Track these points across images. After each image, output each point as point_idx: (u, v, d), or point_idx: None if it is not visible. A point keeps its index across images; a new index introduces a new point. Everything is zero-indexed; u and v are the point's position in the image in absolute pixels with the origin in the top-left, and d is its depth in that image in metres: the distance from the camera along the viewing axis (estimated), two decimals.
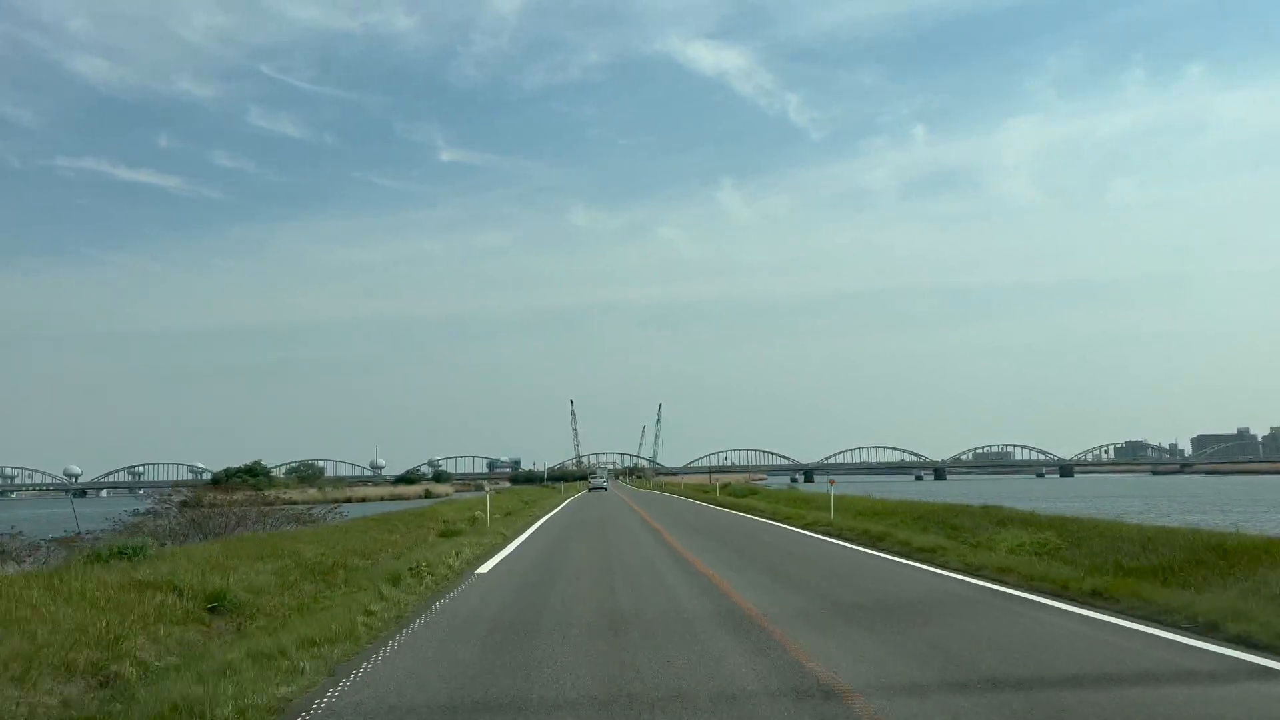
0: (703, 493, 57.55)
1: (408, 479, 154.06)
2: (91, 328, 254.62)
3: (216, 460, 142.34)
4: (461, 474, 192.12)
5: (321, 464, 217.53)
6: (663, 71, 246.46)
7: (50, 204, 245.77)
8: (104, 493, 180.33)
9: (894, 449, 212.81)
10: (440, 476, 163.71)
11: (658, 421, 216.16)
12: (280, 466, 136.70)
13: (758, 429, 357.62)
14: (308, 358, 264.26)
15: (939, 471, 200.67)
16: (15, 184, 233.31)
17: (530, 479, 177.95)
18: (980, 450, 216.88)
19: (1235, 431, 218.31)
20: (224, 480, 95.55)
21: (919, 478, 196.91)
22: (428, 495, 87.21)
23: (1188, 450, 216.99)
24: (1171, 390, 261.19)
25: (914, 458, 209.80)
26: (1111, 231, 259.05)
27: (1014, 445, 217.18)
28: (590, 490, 78.89)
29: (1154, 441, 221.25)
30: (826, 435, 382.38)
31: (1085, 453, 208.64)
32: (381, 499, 77.34)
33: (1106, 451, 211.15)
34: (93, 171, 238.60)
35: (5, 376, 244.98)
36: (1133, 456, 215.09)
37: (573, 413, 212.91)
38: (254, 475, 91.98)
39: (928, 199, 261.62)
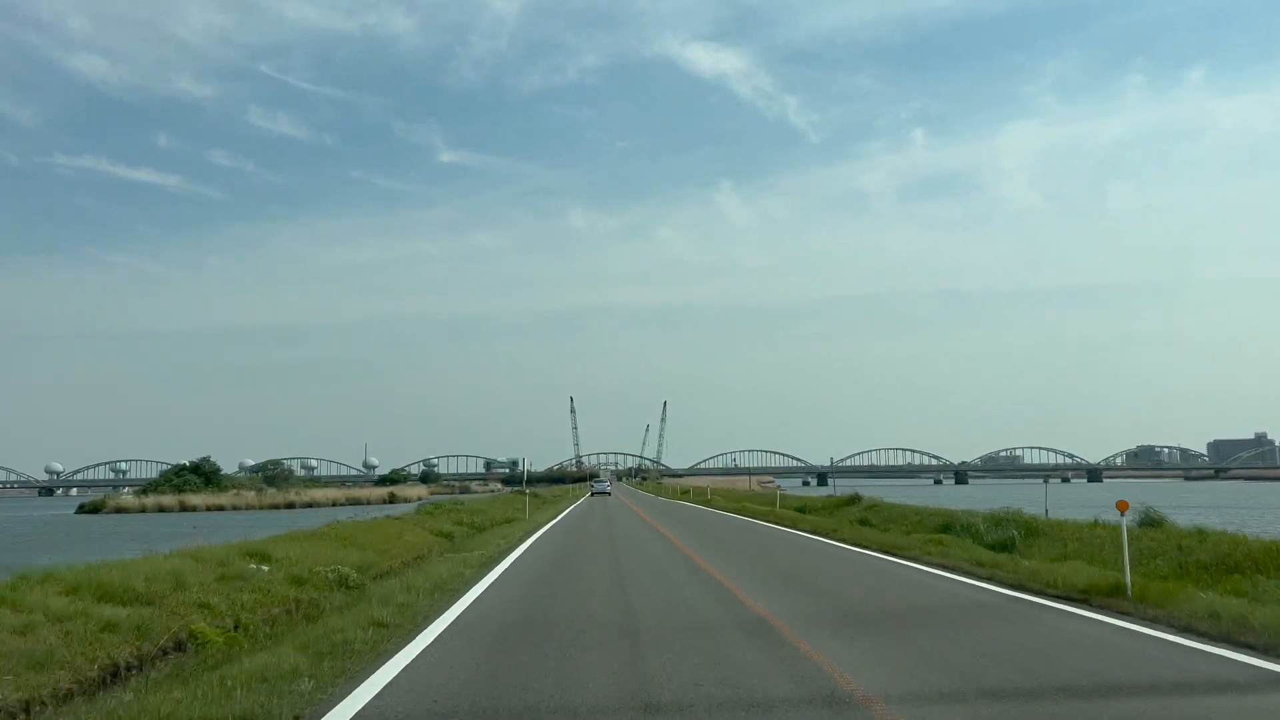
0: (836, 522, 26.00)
1: (391, 479, 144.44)
2: (90, 327, 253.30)
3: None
4: (455, 474, 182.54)
5: (313, 463, 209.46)
6: (661, 74, 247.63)
7: (48, 202, 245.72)
8: (73, 491, 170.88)
9: (911, 450, 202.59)
10: (428, 477, 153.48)
11: (663, 420, 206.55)
12: (249, 466, 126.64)
13: (762, 430, 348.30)
14: (305, 357, 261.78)
15: (960, 475, 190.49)
16: (13, 182, 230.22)
17: (526, 480, 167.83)
18: (1001, 453, 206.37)
19: (1253, 436, 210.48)
20: (169, 479, 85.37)
21: (938, 481, 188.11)
22: (392, 500, 76.29)
23: (1203, 455, 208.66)
24: (1175, 395, 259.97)
25: (934, 460, 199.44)
26: (1111, 236, 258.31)
27: (1037, 448, 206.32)
28: (593, 495, 71.06)
29: (1163, 446, 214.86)
30: (832, 436, 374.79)
31: (1112, 457, 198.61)
32: (334, 504, 66.79)
33: (1120, 457, 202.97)
34: (91, 170, 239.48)
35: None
36: (1146, 461, 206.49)
37: (572, 410, 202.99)
38: (199, 473, 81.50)
39: (927, 202, 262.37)
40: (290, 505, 65.07)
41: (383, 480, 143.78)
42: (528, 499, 41.62)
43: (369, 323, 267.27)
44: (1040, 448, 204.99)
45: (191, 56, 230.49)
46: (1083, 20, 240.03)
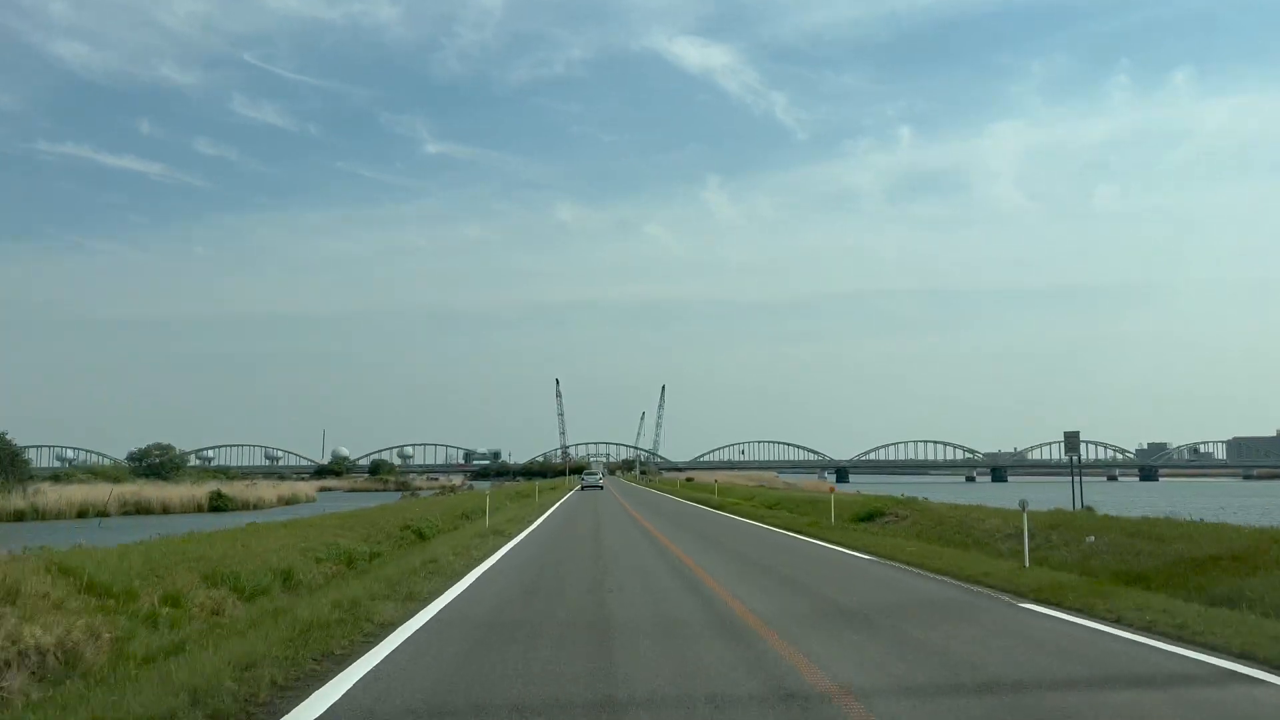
0: None
1: (330, 470, 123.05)
2: (71, 314, 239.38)
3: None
4: (422, 465, 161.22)
5: (278, 452, 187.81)
6: (648, 68, 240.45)
7: (30, 188, 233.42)
8: None
9: (940, 443, 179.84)
10: (377, 468, 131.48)
11: (660, 407, 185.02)
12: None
13: (758, 424, 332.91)
14: (288, 348, 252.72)
15: (996, 473, 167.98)
16: None
17: (502, 473, 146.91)
18: (1052, 443, 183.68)
19: (1275, 434, 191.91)
20: None
21: (970, 479, 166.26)
22: (215, 505, 50.95)
23: (1219, 453, 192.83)
24: (1170, 394, 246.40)
25: (967, 454, 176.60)
26: (1097, 236, 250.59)
27: (1084, 441, 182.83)
28: (583, 489, 65.42)
29: (1176, 444, 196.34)
30: (838, 430, 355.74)
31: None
32: (100, 514, 42.56)
33: (1125, 453, 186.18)
34: (74, 156, 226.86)
35: None
36: (1155, 458, 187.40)
37: (558, 394, 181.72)
38: None
39: (914, 201, 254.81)
40: (20, 516, 41.71)
41: (320, 471, 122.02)
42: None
43: (355, 313, 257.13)
44: (1087, 441, 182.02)
45: (174, 43, 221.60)
46: (1068, 21, 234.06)
